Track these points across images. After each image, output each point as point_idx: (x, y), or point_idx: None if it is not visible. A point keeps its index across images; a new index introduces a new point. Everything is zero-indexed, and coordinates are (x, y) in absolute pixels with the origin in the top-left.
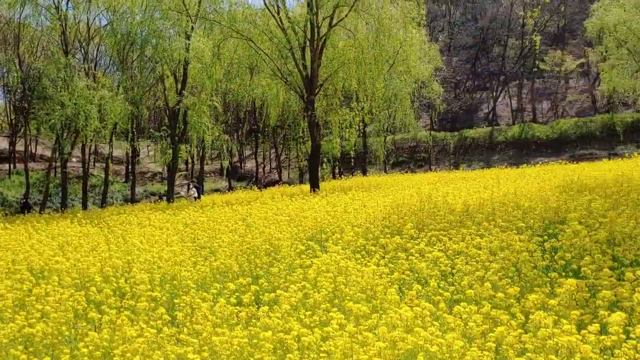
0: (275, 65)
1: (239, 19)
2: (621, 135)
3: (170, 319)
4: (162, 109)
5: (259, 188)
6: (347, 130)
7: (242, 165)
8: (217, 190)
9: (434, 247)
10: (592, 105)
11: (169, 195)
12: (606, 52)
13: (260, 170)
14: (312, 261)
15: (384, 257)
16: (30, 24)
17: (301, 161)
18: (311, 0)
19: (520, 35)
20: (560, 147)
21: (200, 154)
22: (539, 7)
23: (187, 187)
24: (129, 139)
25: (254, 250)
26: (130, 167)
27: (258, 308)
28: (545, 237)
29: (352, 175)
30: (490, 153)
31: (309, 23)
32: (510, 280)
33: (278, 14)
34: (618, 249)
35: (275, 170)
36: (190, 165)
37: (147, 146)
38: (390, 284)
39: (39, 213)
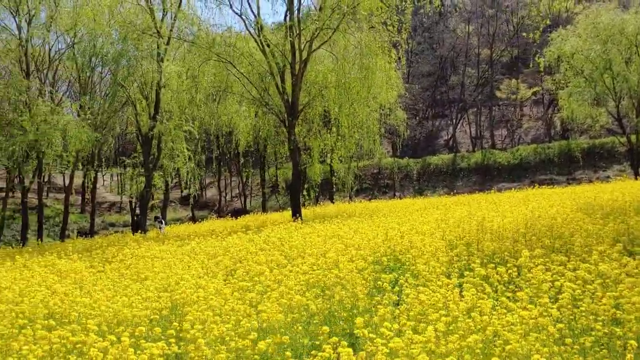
0: (256, 90)
1: (217, 41)
2: (580, 160)
3: None
4: (124, 136)
5: (222, 216)
6: (329, 155)
7: (203, 193)
8: (178, 220)
9: (549, 275)
10: (546, 132)
11: (142, 226)
12: (563, 80)
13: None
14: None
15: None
16: None
17: (267, 187)
18: (293, 23)
19: (476, 64)
20: (520, 173)
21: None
22: (540, 29)
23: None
24: (96, 166)
25: (321, 284)
26: (87, 197)
27: None
28: None
29: (318, 204)
30: (454, 179)
31: (289, 46)
32: None
33: (259, 36)
34: None
35: (236, 199)
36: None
37: (103, 175)
38: None
39: None
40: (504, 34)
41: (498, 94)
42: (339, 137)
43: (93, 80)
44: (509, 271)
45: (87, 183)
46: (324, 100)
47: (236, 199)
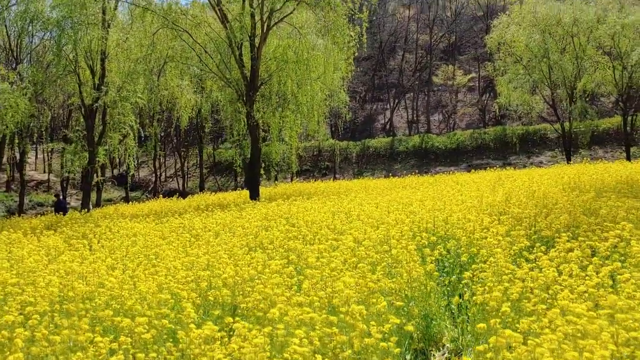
0: (213, 62)
1: (173, 9)
2: (517, 145)
3: None
4: (57, 108)
5: (164, 197)
6: (288, 133)
7: (136, 173)
8: (110, 201)
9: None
10: (480, 118)
11: (85, 204)
12: (502, 66)
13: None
14: None
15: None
16: None
17: (206, 168)
18: None
19: (414, 49)
20: (457, 157)
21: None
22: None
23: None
24: (36, 140)
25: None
26: (16, 174)
27: None
28: None
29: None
30: (392, 162)
31: (249, 17)
32: None
33: (218, 5)
34: None
35: (170, 179)
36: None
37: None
38: None
39: None
40: (443, 21)
41: (435, 79)
42: (297, 116)
43: (22, 46)
44: (609, 241)
45: (16, 159)
46: (283, 76)
47: (171, 180)
